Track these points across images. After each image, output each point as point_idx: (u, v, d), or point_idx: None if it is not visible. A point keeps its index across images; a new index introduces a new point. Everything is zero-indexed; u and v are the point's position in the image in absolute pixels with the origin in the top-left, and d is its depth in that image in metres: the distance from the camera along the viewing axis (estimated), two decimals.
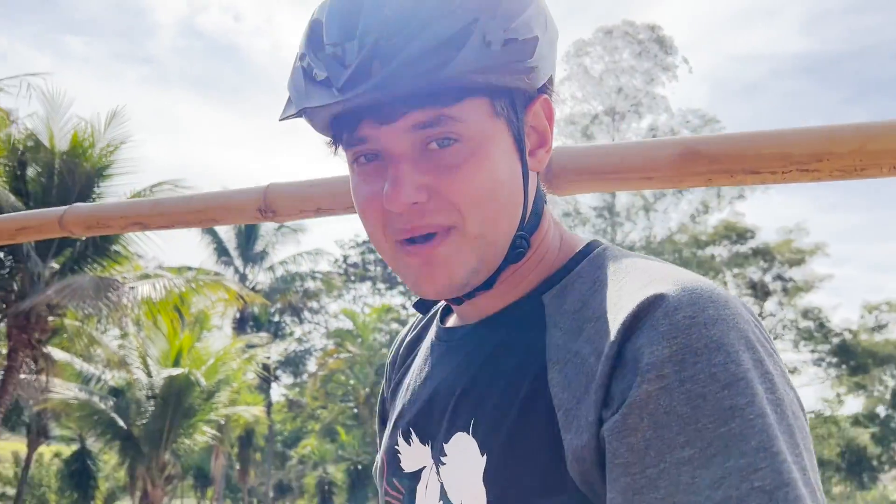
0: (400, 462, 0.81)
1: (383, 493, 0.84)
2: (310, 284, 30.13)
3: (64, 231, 1.53)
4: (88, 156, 12.63)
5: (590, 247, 0.74)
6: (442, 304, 0.88)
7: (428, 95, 0.62)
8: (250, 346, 19.16)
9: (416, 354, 0.89)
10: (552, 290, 0.71)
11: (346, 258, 32.94)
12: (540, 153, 0.72)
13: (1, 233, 1.61)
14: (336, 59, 0.62)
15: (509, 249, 0.70)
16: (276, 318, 31.64)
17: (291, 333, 33.24)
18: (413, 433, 0.79)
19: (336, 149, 0.70)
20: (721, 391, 0.54)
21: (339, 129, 0.67)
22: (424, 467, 0.77)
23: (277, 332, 31.24)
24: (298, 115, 0.66)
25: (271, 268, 28.76)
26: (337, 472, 28.51)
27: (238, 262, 28.28)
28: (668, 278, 0.61)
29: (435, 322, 0.86)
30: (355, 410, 29.59)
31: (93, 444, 20.45)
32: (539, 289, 0.72)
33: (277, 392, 33.35)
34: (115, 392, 16.63)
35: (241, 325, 26.39)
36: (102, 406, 15.34)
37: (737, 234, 29.26)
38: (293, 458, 33.89)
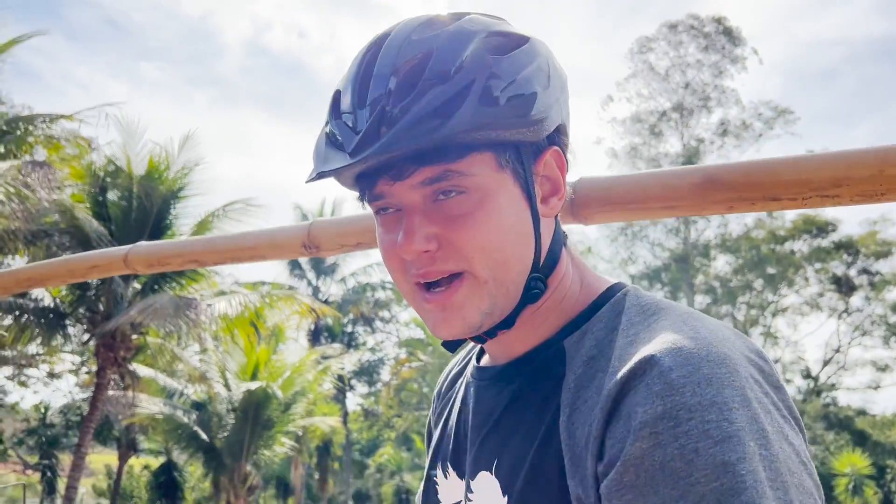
0: (437, 493, 0.86)
1: None
2: (380, 294, 30.53)
3: (128, 269, 1.64)
4: (164, 179, 13.17)
5: (612, 290, 0.77)
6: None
7: (434, 153, 0.67)
8: (325, 358, 19.54)
9: (457, 388, 0.93)
10: (573, 336, 0.74)
11: None
12: (552, 201, 0.76)
13: (75, 271, 1.73)
14: (349, 126, 0.69)
15: (524, 291, 0.73)
16: (349, 329, 32.16)
17: (364, 343, 33.73)
18: (450, 466, 0.84)
19: (363, 203, 0.76)
20: (713, 447, 0.56)
21: (362, 186, 0.73)
22: (459, 502, 0.82)
23: (351, 343, 31.76)
24: (318, 177, 0.71)
25: (343, 280, 29.30)
26: (413, 480, 28.72)
27: (310, 275, 28.92)
28: (671, 335, 0.64)
29: (471, 360, 0.90)
30: None
31: (178, 456, 21.22)
32: (561, 333, 0.76)
33: (353, 401, 33.89)
34: (198, 406, 17.21)
35: (315, 336, 26.97)
36: (186, 420, 15.91)
37: (817, 227, 28.15)
38: (371, 467, 34.32)
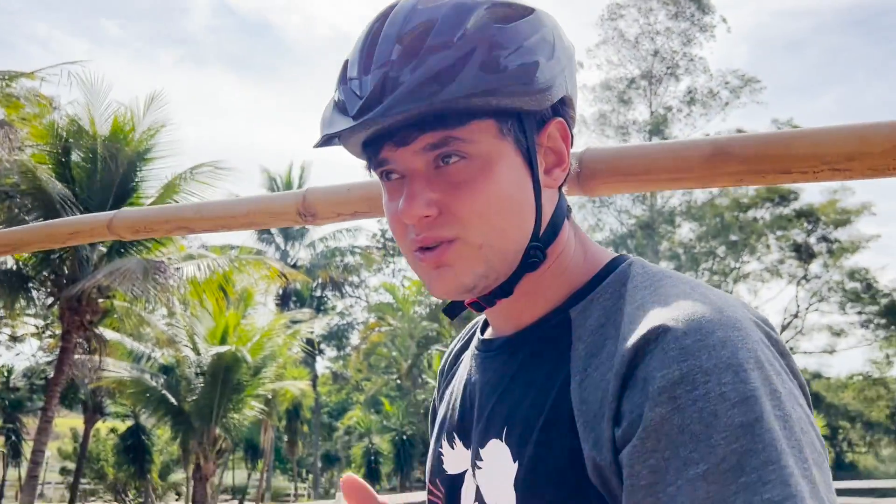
0: (443, 464, 0.86)
1: (427, 493, 0.90)
2: (349, 259, 30.46)
3: (113, 235, 1.59)
4: (129, 140, 12.88)
5: (616, 261, 0.78)
6: (482, 316, 0.92)
7: (435, 119, 0.68)
8: (294, 322, 19.49)
9: (460, 363, 0.95)
10: (578, 306, 0.75)
11: (384, 232, 33.13)
12: (556, 172, 0.77)
13: (55, 237, 1.68)
14: (354, 91, 0.71)
15: (522, 258, 0.75)
16: (318, 294, 32.07)
17: (333, 308, 33.69)
18: (456, 437, 0.85)
19: (370, 170, 0.77)
20: (731, 409, 0.57)
21: (368, 152, 0.75)
22: (466, 470, 0.82)
23: (320, 307, 31.70)
24: (323, 142, 0.73)
25: (311, 244, 29.13)
26: (382, 443, 28.97)
27: (279, 240, 28.68)
28: (682, 301, 0.65)
29: (476, 333, 0.92)
30: (398, 382, 29.98)
31: (146, 419, 21.12)
32: (567, 303, 0.76)
33: (322, 365, 33.97)
34: (165, 370, 17.12)
35: (284, 301, 26.85)
36: (154, 383, 15.82)
37: (779, 195, 28.61)
38: (339, 430, 34.53)
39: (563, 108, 0.76)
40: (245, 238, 27.10)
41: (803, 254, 30.55)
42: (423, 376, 28.31)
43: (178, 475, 26.87)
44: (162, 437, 23.63)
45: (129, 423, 24.09)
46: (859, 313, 29.95)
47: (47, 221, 1.71)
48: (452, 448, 0.85)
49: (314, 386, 27.43)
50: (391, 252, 33.86)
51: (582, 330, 0.73)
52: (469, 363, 0.88)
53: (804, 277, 30.91)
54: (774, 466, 0.55)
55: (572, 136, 0.77)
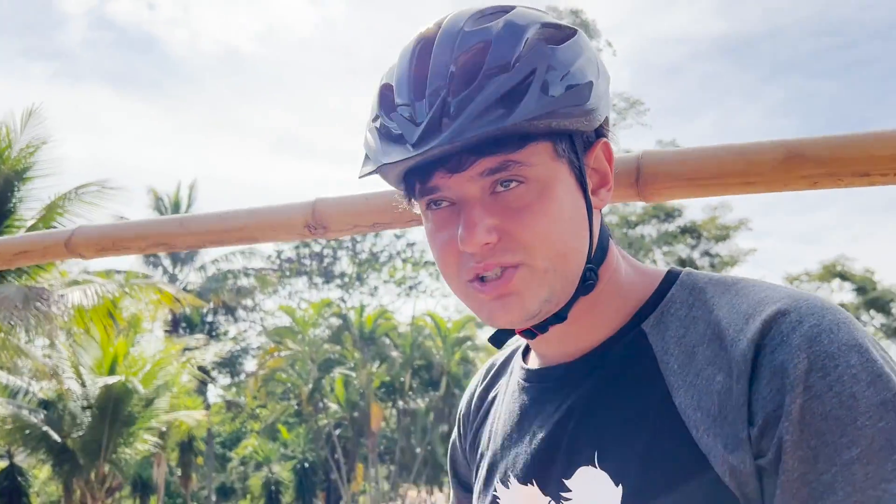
0: None
1: None
2: (243, 282, 29.49)
3: (72, 254, 1.41)
4: (6, 158, 11.99)
5: (672, 273, 0.79)
6: (518, 349, 0.91)
7: (494, 143, 0.67)
8: (187, 349, 18.64)
9: (492, 402, 0.92)
10: (650, 319, 0.74)
11: (279, 253, 32.38)
12: (602, 192, 0.77)
13: None
14: (408, 118, 0.68)
15: (579, 282, 0.74)
16: (210, 319, 30.88)
17: (226, 333, 32.51)
18: (511, 477, 0.81)
19: (410, 199, 0.75)
20: (867, 389, 0.59)
21: (412, 180, 0.72)
22: None
23: (212, 333, 30.51)
24: (377, 171, 0.70)
25: (202, 267, 28.02)
26: (283, 472, 28.09)
27: (166, 262, 27.43)
28: (777, 294, 0.67)
29: (517, 366, 0.88)
30: (297, 408, 29.20)
31: (22, 459, 19.54)
32: (634, 319, 0.76)
33: (213, 393, 32.63)
34: (46, 404, 15.91)
35: (174, 327, 25.66)
36: (34, 420, 14.65)
37: (665, 213, 30.10)
38: (234, 460, 33.24)
39: (605, 128, 0.76)
40: (132, 262, 25.76)
41: (687, 267, 32.12)
42: (325, 401, 27.72)
43: None
44: (38, 477, 21.92)
45: (3, 463, 22.24)
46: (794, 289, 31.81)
47: None
48: (507, 488, 0.81)
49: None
50: (287, 273, 33.10)
51: (664, 342, 0.72)
52: (513, 398, 0.86)
53: None
54: None
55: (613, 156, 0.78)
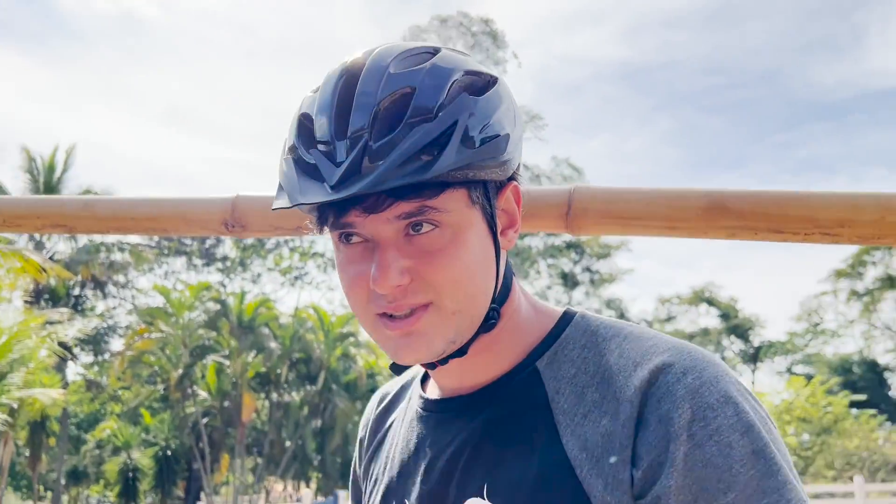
0: None
1: None
2: (117, 256, 28.02)
3: None
4: None
5: (568, 314, 0.82)
6: (416, 376, 0.94)
7: (412, 188, 0.68)
8: (49, 323, 17.50)
9: (389, 428, 0.94)
10: (544, 358, 0.78)
11: None
12: (509, 233, 0.79)
13: None
14: (328, 156, 0.68)
15: (483, 321, 0.76)
16: (77, 292, 29.14)
17: (93, 308, 30.78)
18: (406, 503, 0.83)
19: (321, 229, 0.75)
20: (742, 438, 0.65)
21: (326, 213, 0.72)
22: None
23: (77, 307, 28.79)
24: (294, 207, 0.70)
25: (72, 236, 26.40)
26: (142, 458, 26.84)
27: None
28: (664, 345, 0.72)
29: (416, 393, 0.90)
30: (164, 392, 28.03)
31: None
32: (530, 357, 0.79)
33: (74, 371, 30.83)
34: None
35: (36, 298, 24.03)
36: None
37: None
38: (90, 443, 31.49)
39: (517, 171, 0.78)
40: None
41: (569, 281, 33.29)
42: (195, 387, 26.74)
43: None
44: None
45: None
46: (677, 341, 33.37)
47: None
48: None
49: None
50: (165, 252, 31.73)
51: (556, 381, 0.76)
52: (411, 426, 0.87)
53: (567, 303, 33.66)
54: (789, 486, 0.64)
55: (521, 197, 0.80)
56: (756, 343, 36.91)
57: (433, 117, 0.67)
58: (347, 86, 0.70)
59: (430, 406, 0.85)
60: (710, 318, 36.83)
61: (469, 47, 31.10)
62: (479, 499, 0.75)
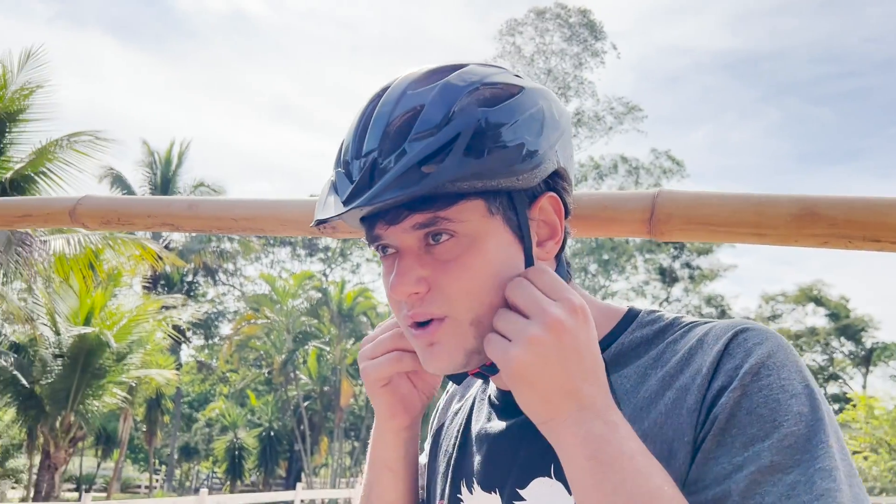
0: None
1: None
2: (227, 245, 29.35)
3: (75, 223, 1.41)
4: (0, 98, 11.79)
5: (632, 312, 0.83)
6: None
7: (424, 200, 0.71)
8: (165, 308, 18.53)
9: (461, 406, 0.97)
10: (608, 352, 0.79)
11: None
12: (549, 244, 0.79)
13: (1, 217, 1.46)
14: (346, 175, 0.73)
15: None
16: (189, 279, 30.72)
17: (204, 295, 32.36)
18: (475, 482, 0.86)
19: (369, 244, 0.79)
20: (790, 399, 0.67)
21: (364, 227, 0.78)
22: None
23: (190, 293, 30.35)
24: (317, 224, 0.75)
25: None
26: (248, 438, 28.05)
27: None
28: (739, 321, 0.74)
29: (479, 383, 0.94)
30: (268, 376, 29.18)
31: None
32: None
33: (187, 353, 32.53)
34: (17, 348, 15.79)
35: (153, 284, 25.50)
36: (2, 362, 14.56)
37: None
38: (200, 421, 33.19)
39: (555, 180, 0.78)
40: None
41: (667, 277, 32.39)
42: (297, 372, 27.71)
43: (18, 461, 24.88)
44: (2, 419, 21.78)
45: None
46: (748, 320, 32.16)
47: None
48: (471, 493, 0.86)
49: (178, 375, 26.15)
50: (271, 242, 32.95)
51: (619, 378, 0.77)
52: (482, 406, 0.91)
53: (666, 299, 32.79)
54: (826, 453, 0.65)
55: (567, 207, 0.80)
56: (868, 345, 34.79)
57: (437, 131, 0.70)
58: (370, 110, 0.74)
59: (498, 394, 0.88)
60: (817, 318, 35.04)
61: (566, 39, 30.63)
62: (546, 478, 0.77)
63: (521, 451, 0.81)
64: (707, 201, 1.01)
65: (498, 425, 0.85)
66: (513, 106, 0.73)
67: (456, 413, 0.98)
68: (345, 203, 0.71)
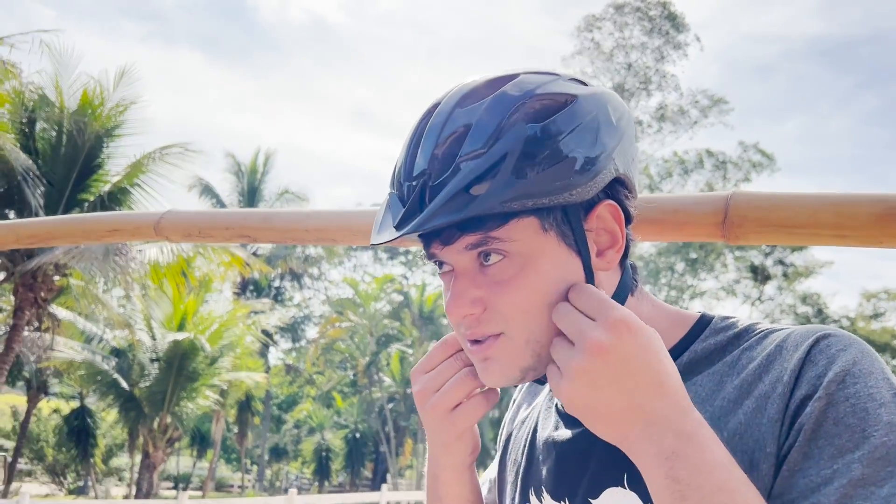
0: None
1: None
2: (311, 251, 30.09)
3: (160, 237, 1.47)
4: (98, 115, 12.46)
5: (704, 318, 0.81)
6: None
7: (474, 221, 0.70)
8: (254, 312, 19.17)
9: (531, 412, 0.96)
10: (681, 359, 0.77)
11: None
12: (609, 253, 0.77)
13: (91, 233, 1.55)
14: (399, 197, 0.73)
15: None
16: (277, 284, 31.64)
17: (291, 299, 33.27)
18: (545, 491, 0.85)
19: (428, 259, 0.79)
20: (879, 408, 0.64)
21: (422, 244, 0.78)
22: None
23: (277, 298, 31.27)
24: (372, 247, 0.73)
25: None
26: (334, 439, 28.66)
27: None
28: (815, 327, 0.71)
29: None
30: (353, 378, 29.72)
31: (93, 402, 20.54)
32: None
33: (274, 356, 33.53)
34: (117, 353, 16.65)
35: (242, 289, 26.41)
36: (105, 366, 15.37)
37: None
38: (288, 423, 34.10)
39: (614, 188, 0.75)
40: None
41: (759, 275, 31.23)
42: (381, 374, 28.14)
43: (120, 460, 26.21)
44: (106, 420, 22.99)
45: (74, 404, 23.38)
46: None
47: (84, 214, 1.58)
48: (540, 502, 0.86)
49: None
50: (354, 246, 33.57)
51: (698, 380, 0.75)
52: (550, 413, 0.90)
53: (759, 298, 31.61)
54: None
55: (628, 214, 0.78)
56: None
57: (485, 152, 0.68)
58: (421, 129, 0.74)
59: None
60: None
61: (646, 32, 29.98)
62: (619, 487, 0.76)
63: (591, 460, 0.80)
64: (783, 202, 0.97)
65: (565, 433, 0.85)
66: (564, 117, 0.71)
67: (523, 421, 0.97)
68: (397, 227, 0.71)
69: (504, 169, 0.67)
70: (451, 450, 0.86)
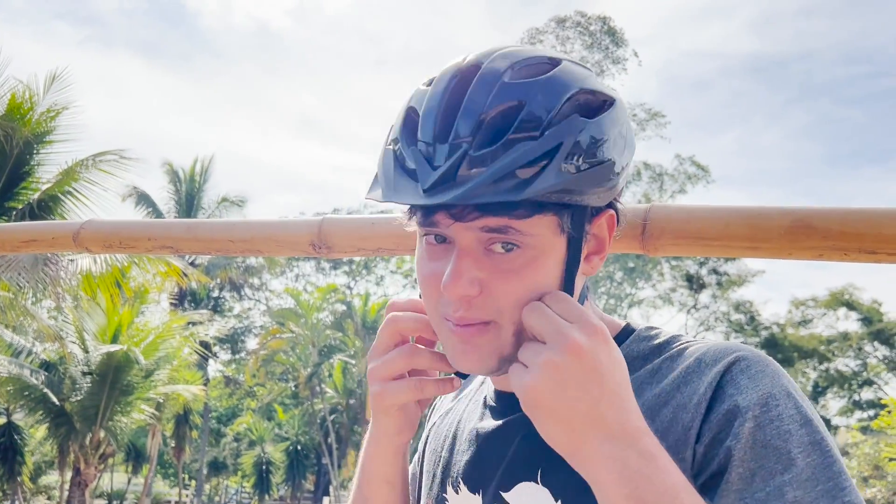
0: None
1: None
2: (252, 261, 29.59)
3: (79, 248, 1.43)
4: (27, 120, 12.03)
5: (629, 327, 0.82)
6: None
7: (501, 205, 0.66)
8: (191, 324, 18.73)
9: (455, 405, 0.96)
10: None
11: None
12: (594, 259, 0.77)
13: (5, 243, 1.49)
14: (427, 157, 0.67)
15: None
16: (216, 294, 31.01)
17: (231, 310, 32.64)
18: (462, 483, 0.85)
19: (410, 219, 0.74)
20: (800, 429, 0.66)
21: (415, 208, 0.72)
22: None
23: (217, 308, 30.64)
24: (384, 201, 0.70)
25: None
26: (275, 452, 28.19)
27: None
28: (734, 346, 0.73)
29: (486, 381, 0.92)
30: (295, 390, 29.30)
31: (20, 418, 19.71)
32: None
33: (213, 368, 32.81)
34: (47, 366, 16.03)
35: (179, 300, 25.78)
36: (34, 381, 14.78)
37: None
38: (228, 436, 33.40)
39: (617, 198, 0.75)
40: None
41: (694, 284, 32.06)
42: (323, 386, 27.81)
43: (50, 477, 25.21)
44: (35, 436, 22.09)
45: (1, 419, 22.41)
46: (742, 343, 31.69)
47: (1, 224, 1.51)
48: (457, 493, 0.85)
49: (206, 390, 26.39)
50: (296, 256, 33.13)
51: None
52: (476, 407, 0.90)
53: (694, 306, 32.43)
54: (844, 476, 0.65)
55: (618, 223, 0.78)
56: None
57: (538, 135, 0.65)
58: (459, 88, 0.68)
59: (496, 396, 0.87)
60: (849, 323, 34.41)
61: (587, 47, 30.58)
62: (531, 483, 0.76)
63: (508, 452, 0.80)
64: (699, 215, 1.00)
65: (489, 424, 0.84)
66: (608, 119, 0.69)
67: (448, 412, 0.97)
68: (427, 192, 0.65)
69: (557, 159, 0.65)
70: (377, 422, 0.83)
